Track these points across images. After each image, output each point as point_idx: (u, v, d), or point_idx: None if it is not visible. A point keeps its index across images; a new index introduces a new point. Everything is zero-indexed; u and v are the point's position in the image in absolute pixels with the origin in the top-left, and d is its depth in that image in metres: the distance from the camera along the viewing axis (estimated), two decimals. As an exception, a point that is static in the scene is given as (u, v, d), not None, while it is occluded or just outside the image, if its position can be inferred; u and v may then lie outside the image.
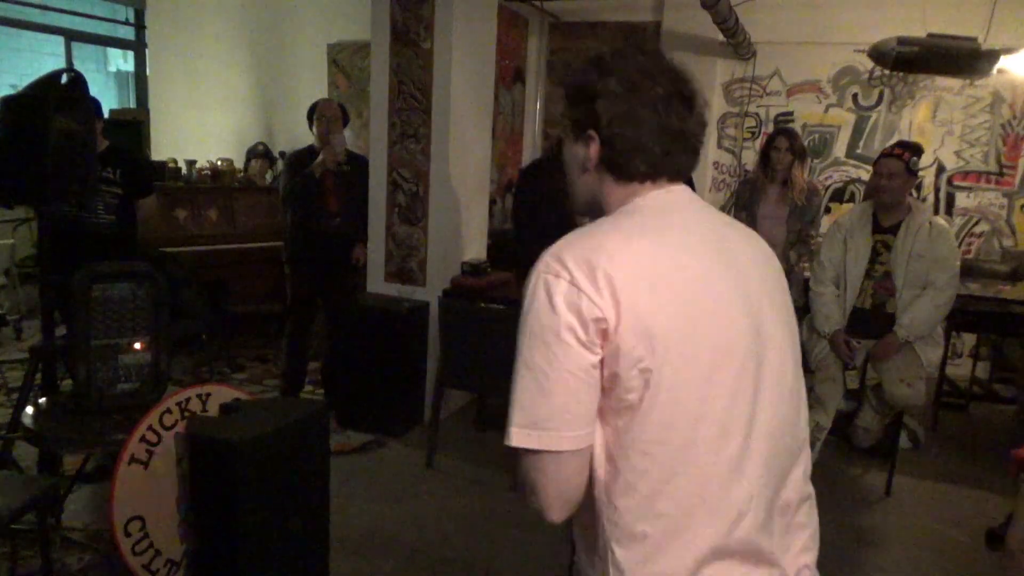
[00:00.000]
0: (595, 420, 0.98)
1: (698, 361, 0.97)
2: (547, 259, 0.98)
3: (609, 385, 0.96)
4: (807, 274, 3.63)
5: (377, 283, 4.14)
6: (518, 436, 0.97)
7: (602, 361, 0.95)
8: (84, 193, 2.85)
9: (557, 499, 0.99)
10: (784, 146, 3.67)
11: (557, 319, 0.94)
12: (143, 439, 2.12)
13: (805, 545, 1.09)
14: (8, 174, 2.62)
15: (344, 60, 6.08)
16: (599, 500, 1.00)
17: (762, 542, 1.01)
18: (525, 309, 0.98)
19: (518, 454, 0.99)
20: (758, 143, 5.43)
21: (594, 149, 1.08)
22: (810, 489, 1.13)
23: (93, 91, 2.97)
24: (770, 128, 5.51)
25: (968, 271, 4.33)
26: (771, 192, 3.73)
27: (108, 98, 8.30)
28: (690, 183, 1.15)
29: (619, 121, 1.05)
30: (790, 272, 3.73)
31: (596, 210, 1.13)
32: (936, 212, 5.21)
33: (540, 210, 3.29)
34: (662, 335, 0.94)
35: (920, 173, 3.81)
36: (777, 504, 1.05)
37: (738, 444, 0.99)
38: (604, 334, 0.94)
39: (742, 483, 0.99)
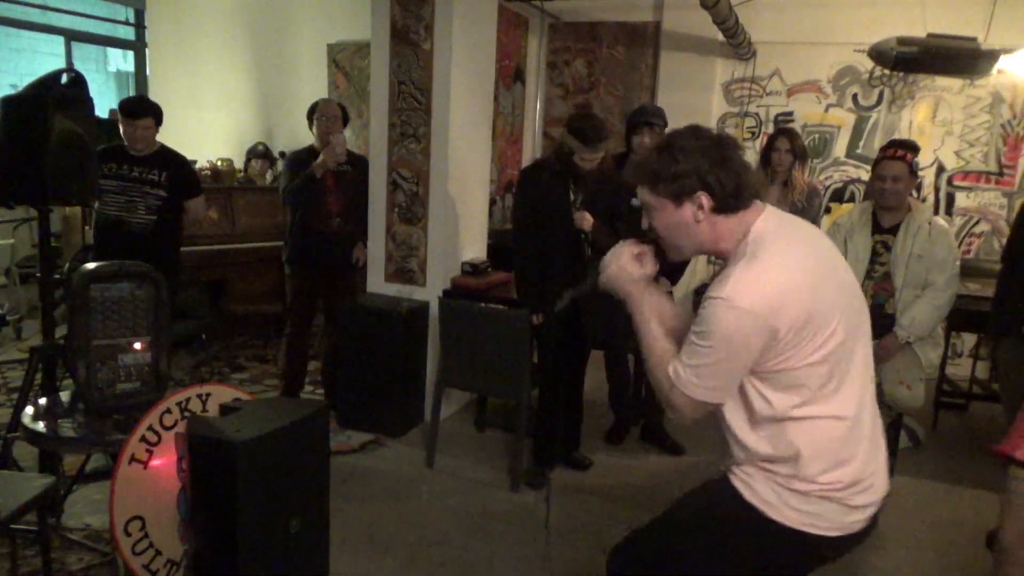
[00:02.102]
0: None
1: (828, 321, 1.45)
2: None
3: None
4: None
5: (377, 283, 4.14)
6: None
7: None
8: (84, 193, 2.85)
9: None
10: (785, 147, 3.66)
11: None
12: (143, 439, 2.12)
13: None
14: (8, 174, 2.62)
15: (344, 60, 6.08)
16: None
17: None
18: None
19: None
20: (758, 143, 5.43)
21: (706, 202, 1.47)
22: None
23: (93, 91, 2.97)
24: (770, 128, 5.51)
25: (968, 271, 4.32)
26: (772, 193, 3.71)
27: (108, 98, 8.30)
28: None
29: (715, 176, 1.46)
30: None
31: (707, 247, 1.55)
32: (936, 212, 5.21)
33: (539, 211, 3.28)
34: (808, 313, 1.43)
35: (920, 173, 3.81)
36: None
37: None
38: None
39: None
